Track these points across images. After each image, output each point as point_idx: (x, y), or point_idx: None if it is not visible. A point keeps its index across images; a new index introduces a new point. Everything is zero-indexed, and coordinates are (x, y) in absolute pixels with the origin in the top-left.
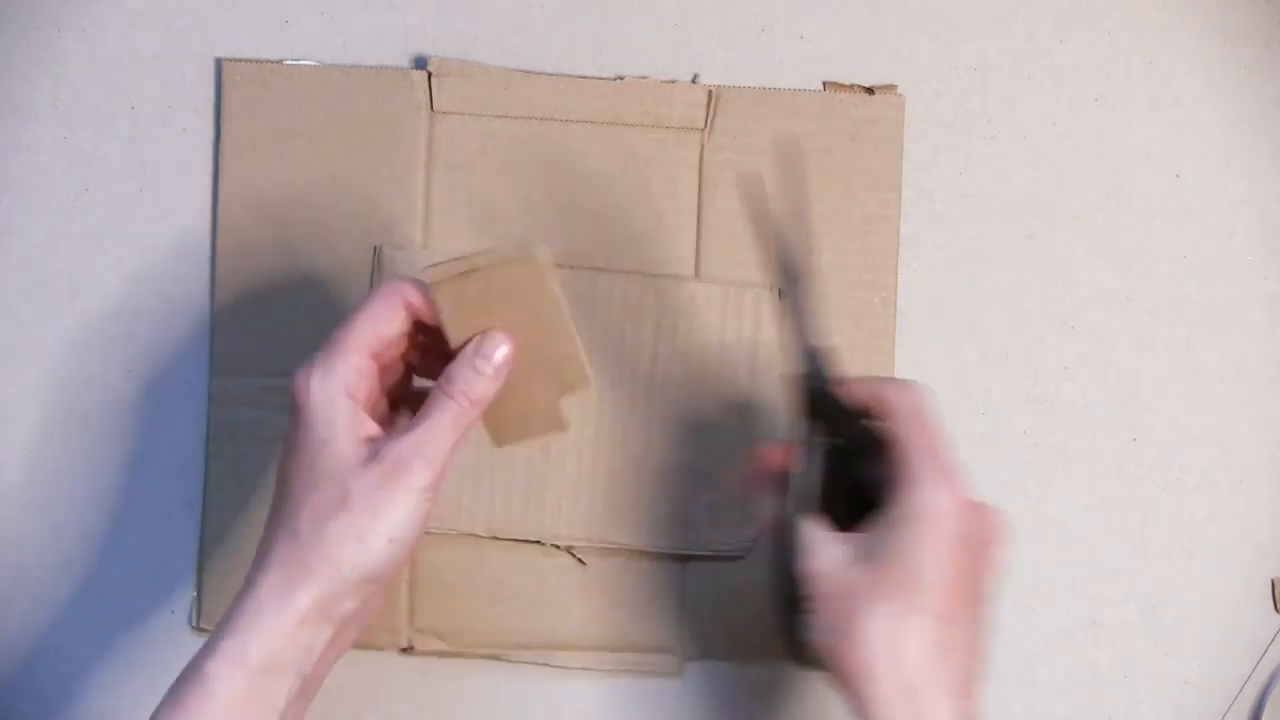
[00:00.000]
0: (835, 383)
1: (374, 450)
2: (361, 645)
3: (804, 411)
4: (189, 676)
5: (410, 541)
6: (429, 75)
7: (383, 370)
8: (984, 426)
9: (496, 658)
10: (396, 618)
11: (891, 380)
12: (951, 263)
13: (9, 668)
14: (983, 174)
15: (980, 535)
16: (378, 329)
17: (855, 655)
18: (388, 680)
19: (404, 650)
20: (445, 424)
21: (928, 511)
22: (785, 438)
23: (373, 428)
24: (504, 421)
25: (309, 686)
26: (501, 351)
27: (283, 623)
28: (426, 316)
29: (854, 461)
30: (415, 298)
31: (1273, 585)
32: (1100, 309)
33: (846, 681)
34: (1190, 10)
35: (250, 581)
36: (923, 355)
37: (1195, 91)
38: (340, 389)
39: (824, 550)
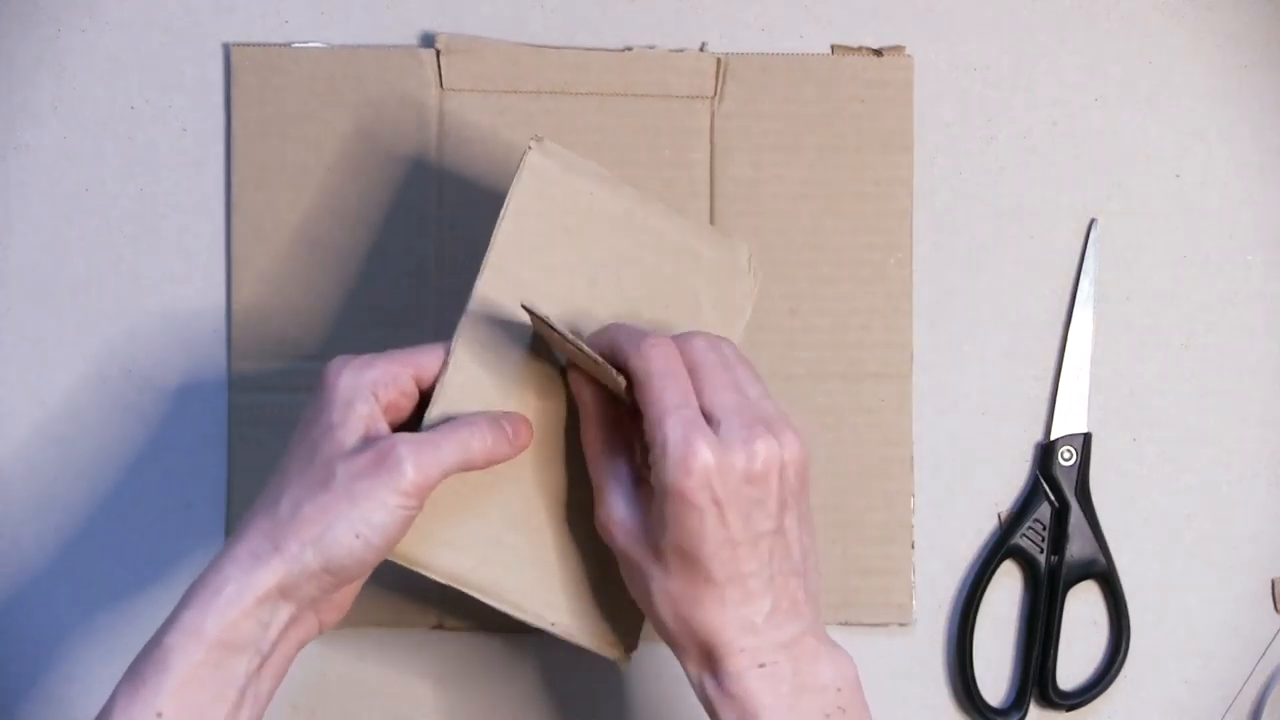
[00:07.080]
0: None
1: (371, 443)
2: (390, 624)
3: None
4: (149, 649)
5: (378, 547)
6: (437, 53)
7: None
8: (986, 425)
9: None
10: (426, 596)
11: (632, 335)
12: (954, 262)
13: (9, 667)
14: (983, 174)
15: (751, 474)
16: (423, 360)
17: (661, 629)
18: (417, 659)
19: (434, 628)
20: (452, 441)
21: (673, 492)
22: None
23: (385, 430)
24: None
25: (269, 666)
26: (524, 436)
27: (244, 599)
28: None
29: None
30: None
31: (1273, 585)
32: (1100, 308)
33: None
34: (1190, 10)
35: (221, 554)
36: (938, 336)
37: (1195, 91)
38: (368, 384)
39: (615, 513)
